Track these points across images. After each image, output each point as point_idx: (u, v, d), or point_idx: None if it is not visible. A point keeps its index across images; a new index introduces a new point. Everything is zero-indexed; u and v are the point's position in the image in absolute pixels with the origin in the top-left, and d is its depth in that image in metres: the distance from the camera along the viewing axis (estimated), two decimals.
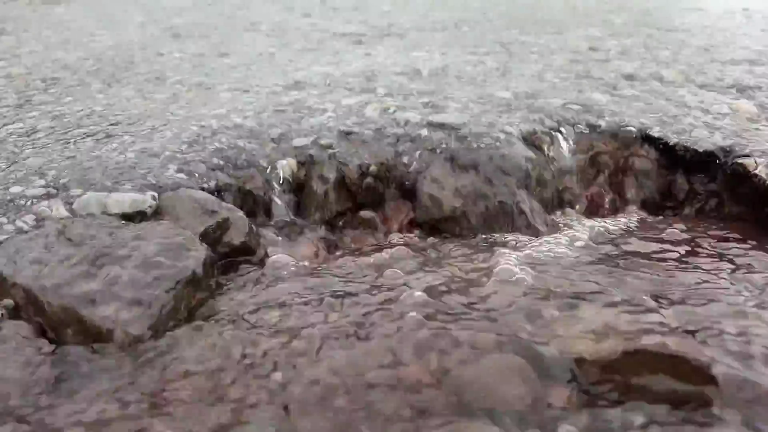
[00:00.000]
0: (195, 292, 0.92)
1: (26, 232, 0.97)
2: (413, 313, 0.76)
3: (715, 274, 0.87)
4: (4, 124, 1.51)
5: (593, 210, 1.33)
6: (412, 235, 1.27)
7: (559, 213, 1.29)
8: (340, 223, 1.33)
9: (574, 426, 0.55)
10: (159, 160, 1.24)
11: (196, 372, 0.70)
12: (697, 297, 0.78)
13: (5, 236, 0.96)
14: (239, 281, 1.00)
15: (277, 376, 0.67)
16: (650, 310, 0.74)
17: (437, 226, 1.27)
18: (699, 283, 0.83)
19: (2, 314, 0.80)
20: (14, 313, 0.82)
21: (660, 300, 0.77)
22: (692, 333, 0.67)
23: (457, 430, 0.55)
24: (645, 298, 0.78)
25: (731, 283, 0.83)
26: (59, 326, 0.81)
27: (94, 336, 0.80)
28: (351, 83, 1.85)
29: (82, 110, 1.64)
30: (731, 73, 1.86)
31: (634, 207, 1.32)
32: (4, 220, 1.01)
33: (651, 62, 2.07)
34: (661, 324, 0.70)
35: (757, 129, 1.32)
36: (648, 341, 0.65)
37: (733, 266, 0.91)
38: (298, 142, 1.39)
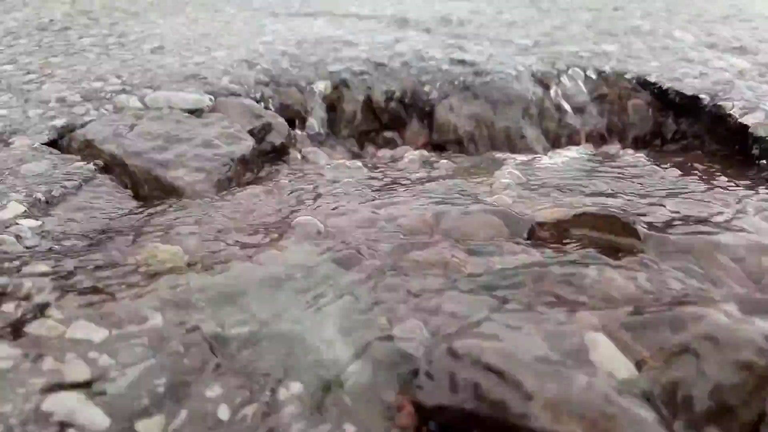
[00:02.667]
0: (244, 170, 1.13)
1: (108, 116, 1.19)
2: (421, 191, 0.96)
3: (676, 183, 1.04)
4: (80, 37, 1.73)
5: (591, 142, 1.50)
6: (427, 152, 1.46)
7: (558, 142, 1.47)
8: (365, 140, 1.53)
9: (526, 255, 0.75)
10: (214, 72, 1.44)
11: (244, 218, 0.90)
12: (649, 190, 0.96)
13: (91, 118, 1.18)
14: (279, 170, 1.20)
15: (311, 217, 0.87)
16: (607, 195, 0.93)
17: (450, 146, 1.46)
18: (656, 186, 1.01)
19: (95, 168, 1.02)
20: (103, 170, 1.04)
21: (618, 193, 0.96)
22: (636, 208, 0.86)
23: (435, 250, 0.75)
24: (606, 188, 0.96)
25: (687, 187, 1.00)
26: (139, 182, 1.03)
27: (168, 191, 1.01)
28: (385, 24, 2.02)
29: (143, 31, 1.85)
30: (740, 38, 1.98)
31: (627, 142, 1.49)
32: (90, 106, 1.23)
33: (667, 23, 2.20)
34: (611, 203, 0.88)
35: (743, 82, 1.47)
36: (593, 209, 0.84)
37: (695, 178, 1.08)
38: (333, 68, 1.58)
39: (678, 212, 0.87)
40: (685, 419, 0.49)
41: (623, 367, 0.53)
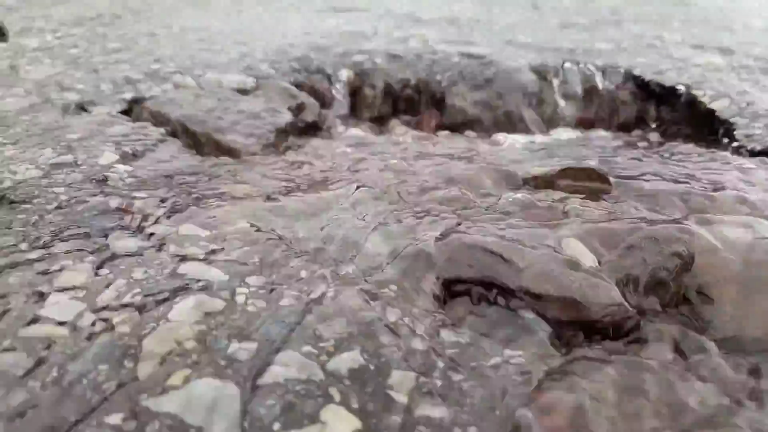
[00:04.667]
0: (284, 139, 1.34)
1: (170, 91, 1.40)
2: (434, 156, 1.16)
3: (644, 154, 1.24)
4: (130, 28, 1.94)
5: (583, 126, 1.70)
6: (438, 132, 1.67)
7: (552, 125, 1.67)
8: (384, 121, 1.73)
9: (520, 195, 0.95)
10: (254, 59, 1.65)
11: (291, 170, 1.11)
12: (625, 157, 1.17)
13: (154, 93, 1.39)
14: (312, 141, 1.41)
15: (347, 172, 1.07)
16: (590, 159, 1.13)
17: (459, 128, 1.66)
18: (631, 155, 1.21)
19: (165, 132, 1.22)
20: (171, 134, 1.24)
21: (598, 157, 1.16)
22: (611, 166, 1.06)
23: (449, 191, 0.95)
24: (589, 155, 1.17)
25: (658, 156, 1.21)
26: (201, 144, 1.23)
27: (224, 151, 1.22)
28: (398, 22, 2.23)
29: (184, 24, 2.06)
30: (722, 40, 2.19)
31: (614, 127, 1.69)
32: (152, 83, 1.44)
33: (658, 27, 2.40)
34: (592, 164, 1.09)
35: (716, 75, 1.67)
36: (575, 164, 1.05)
37: (666, 151, 1.28)
38: (356, 58, 1.79)
39: (648, 171, 1.07)
40: (631, 290, 0.70)
41: (589, 260, 0.74)
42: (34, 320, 0.58)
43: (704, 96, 1.51)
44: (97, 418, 0.47)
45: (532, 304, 0.66)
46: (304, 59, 1.73)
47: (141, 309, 0.60)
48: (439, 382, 0.53)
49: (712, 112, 1.44)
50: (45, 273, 0.66)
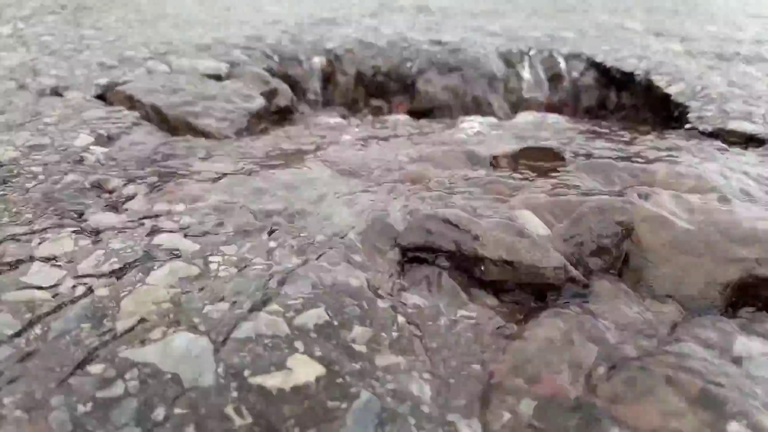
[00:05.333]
0: (257, 123, 1.37)
1: (143, 77, 1.42)
2: (404, 139, 1.21)
3: (600, 136, 1.30)
4: (103, 15, 1.95)
5: (548, 112, 1.76)
6: (408, 117, 1.71)
7: (518, 110, 1.73)
8: (356, 107, 1.78)
9: (484, 172, 1.00)
10: (227, 46, 1.68)
11: (264, 150, 1.15)
12: (583, 136, 1.23)
13: (128, 78, 1.41)
14: (284, 125, 1.45)
15: (319, 152, 1.11)
16: (548, 140, 1.19)
17: (427, 113, 1.71)
18: (589, 136, 1.27)
19: (139, 116, 1.25)
20: (145, 118, 1.27)
21: (557, 138, 1.22)
22: (570, 144, 1.12)
23: (417, 169, 1.00)
24: (548, 136, 1.23)
25: (607, 138, 1.27)
26: (176, 127, 1.26)
27: (198, 134, 1.25)
28: (370, 9, 2.27)
29: (156, 11, 2.07)
30: (684, 28, 2.26)
31: (578, 112, 1.75)
32: (126, 69, 1.46)
33: (622, 16, 2.48)
34: (550, 144, 1.15)
35: (675, 61, 1.75)
36: (534, 144, 1.10)
37: (617, 138, 1.35)
38: (328, 45, 1.82)
39: (602, 151, 1.13)
40: (578, 255, 0.76)
41: (541, 229, 0.79)
42: (18, 286, 0.62)
43: (661, 81, 1.58)
44: (79, 370, 0.51)
45: (489, 268, 0.72)
46: (277, 46, 1.76)
47: (119, 275, 0.64)
48: (396, 335, 0.58)
49: (668, 96, 1.51)
50: (26, 244, 0.70)
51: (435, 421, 0.49)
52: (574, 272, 0.71)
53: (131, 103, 1.32)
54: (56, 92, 1.32)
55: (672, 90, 1.51)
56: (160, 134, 1.22)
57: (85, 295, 0.61)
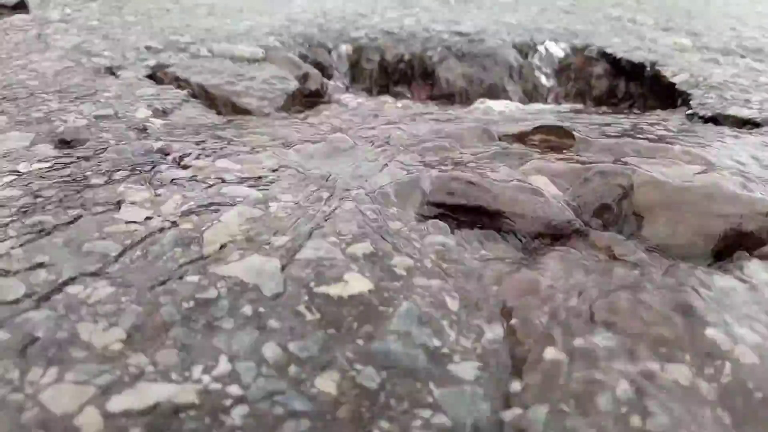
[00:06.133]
0: (291, 103, 1.50)
1: (188, 59, 1.55)
2: (426, 119, 1.33)
3: (609, 119, 1.41)
4: (142, 4, 2.08)
5: (560, 99, 1.88)
6: (429, 102, 1.83)
7: (532, 97, 1.85)
8: (380, 92, 1.90)
9: (497, 147, 1.12)
10: (262, 33, 1.81)
11: (304, 125, 1.27)
12: (592, 121, 1.34)
13: (174, 61, 1.54)
14: (315, 106, 1.57)
15: (351, 129, 1.24)
16: (562, 121, 1.31)
17: (447, 98, 1.83)
18: (600, 120, 1.39)
19: (188, 94, 1.38)
20: (192, 96, 1.40)
21: (568, 120, 1.34)
22: (575, 126, 1.23)
23: (438, 143, 1.12)
24: (559, 120, 1.34)
25: (618, 120, 1.38)
26: (220, 105, 1.39)
27: (240, 111, 1.38)
28: (394, 2, 2.38)
29: (192, 1, 2.20)
30: (693, 24, 2.36)
31: (588, 101, 1.87)
32: (172, 53, 1.59)
33: (634, 11, 2.58)
34: (561, 123, 1.26)
35: (680, 54, 1.85)
36: (546, 123, 1.22)
37: (624, 121, 1.46)
38: (354, 34, 1.94)
39: (610, 132, 1.25)
40: (583, 212, 0.87)
41: (552, 189, 0.91)
42: (115, 222, 0.75)
43: (667, 71, 1.69)
44: (178, 279, 0.64)
45: (505, 221, 0.84)
46: (307, 34, 1.89)
47: (197, 214, 0.77)
48: (430, 265, 0.71)
49: (673, 85, 1.62)
50: (113, 192, 0.83)
51: (463, 324, 0.61)
52: (580, 224, 0.83)
53: (179, 82, 1.44)
54: (111, 71, 1.45)
55: (677, 80, 1.62)
56: (207, 110, 1.35)
57: (172, 227, 0.73)
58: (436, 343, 0.58)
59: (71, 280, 0.63)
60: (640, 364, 0.56)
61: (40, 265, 0.65)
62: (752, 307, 0.66)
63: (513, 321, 0.62)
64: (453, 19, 2.16)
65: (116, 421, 0.47)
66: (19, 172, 0.89)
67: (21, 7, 1.95)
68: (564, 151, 1.11)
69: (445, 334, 0.59)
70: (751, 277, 0.72)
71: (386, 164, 0.99)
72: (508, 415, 0.50)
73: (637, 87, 1.81)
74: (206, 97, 1.40)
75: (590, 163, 0.99)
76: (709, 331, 0.61)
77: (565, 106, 1.75)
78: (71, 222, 0.74)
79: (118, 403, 0.48)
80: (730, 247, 0.80)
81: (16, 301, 0.59)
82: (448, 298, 0.65)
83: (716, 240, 0.81)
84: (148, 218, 0.76)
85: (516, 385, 0.53)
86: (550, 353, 0.57)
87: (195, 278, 0.64)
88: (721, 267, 0.75)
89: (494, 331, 0.61)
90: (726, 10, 2.85)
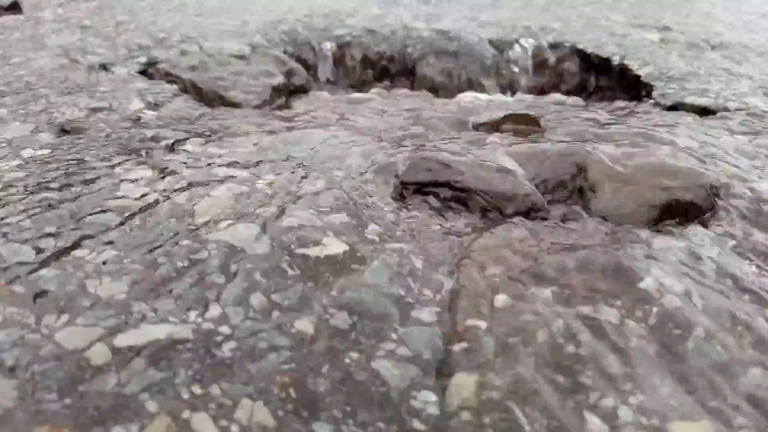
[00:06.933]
0: (277, 97, 1.58)
1: (178, 56, 1.63)
2: (405, 110, 1.42)
3: (576, 109, 1.50)
4: (134, 3, 2.15)
5: (534, 93, 1.96)
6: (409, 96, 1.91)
7: (507, 91, 1.93)
8: (362, 88, 1.98)
9: (470, 134, 1.20)
10: (248, 30, 1.89)
11: (289, 116, 1.35)
12: (558, 111, 1.43)
13: (165, 57, 1.62)
14: (301, 100, 1.65)
15: (334, 118, 1.32)
16: (530, 110, 1.40)
17: (429, 92, 1.91)
18: (568, 110, 1.48)
19: (178, 89, 1.46)
20: (182, 91, 1.48)
21: (538, 108, 1.42)
22: (543, 116, 1.32)
23: (416, 130, 1.20)
24: (529, 111, 1.43)
25: (581, 111, 1.47)
26: (210, 99, 1.47)
27: (228, 104, 1.46)
28: (376, 1, 2.47)
29: (182, 0, 2.27)
30: (663, 21, 2.47)
31: (559, 94, 1.96)
32: (162, 50, 1.66)
33: (606, 9, 2.68)
34: (531, 112, 1.35)
35: (648, 49, 1.95)
36: (515, 112, 1.31)
37: (588, 110, 1.55)
38: (338, 32, 2.03)
39: (574, 120, 1.34)
40: (543, 188, 0.96)
41: (515, 167, 1.00)
42: (115, 196, 0.82)
43: (634, 65, 1.78)
44: (174, 244, 0.71)
45: (470, 196, 0.92)
46: (292, 32, 1.97)
47: (189, 190, 0.85)
48: (399, 233, 0.79)
49: (638, 77, 1.71)
50: (112, 171, 0.91)
51: (426, 277, 0.70)
52: (538, 199, 0.92)
53: (170, 78, 1.52)
54: (104, 67, 1.52)
55: (642, 72, 1.71)
56: (197, 103, 1.43)
57: (166, 200, 0.81)
58: (402, 293, 0.66)
59: (77, 245, 0.71)
60: (576, 308, 0.64)
61: (49, 234, 0.73)
62: (685, 262, 0.75)
63: (470, 274, 0.71)
64: (433, 18, 2.25)
65: (122, 354, 0.55)
66: (23, 157, 0.96)
67: (14, 8, 2.02)
68: (530, 135, 1.20)
69: (410, 287, 0.67)
70: (688, 239, 0.81)
71: (366, 148, 1.08)
72: (458, 347, 0.59)
73: (607, 80, 1.90)
74: (196, 91, 1.48)
75: (553, 144, 1.08)
76: (642, 283, 0.70)
77: (539, 99, 1.84)
78: (75, 199, 0.82)
79: (123, 339, 0.56)
80: (673, 215, 0.89)
81: (29, 263, 0.67)
82: (414, 258, 0.73)
83: (660, 209, 0.89)
84: (144, 194, 0.84)
85: (469, 323, 0.62)
86: (499, 300, 0.65)
87: (188, 242, 0.72)
88: (661, 231, 0.84)
89: (452, 284, 0.69)
90: (695, 7, 2.95)
